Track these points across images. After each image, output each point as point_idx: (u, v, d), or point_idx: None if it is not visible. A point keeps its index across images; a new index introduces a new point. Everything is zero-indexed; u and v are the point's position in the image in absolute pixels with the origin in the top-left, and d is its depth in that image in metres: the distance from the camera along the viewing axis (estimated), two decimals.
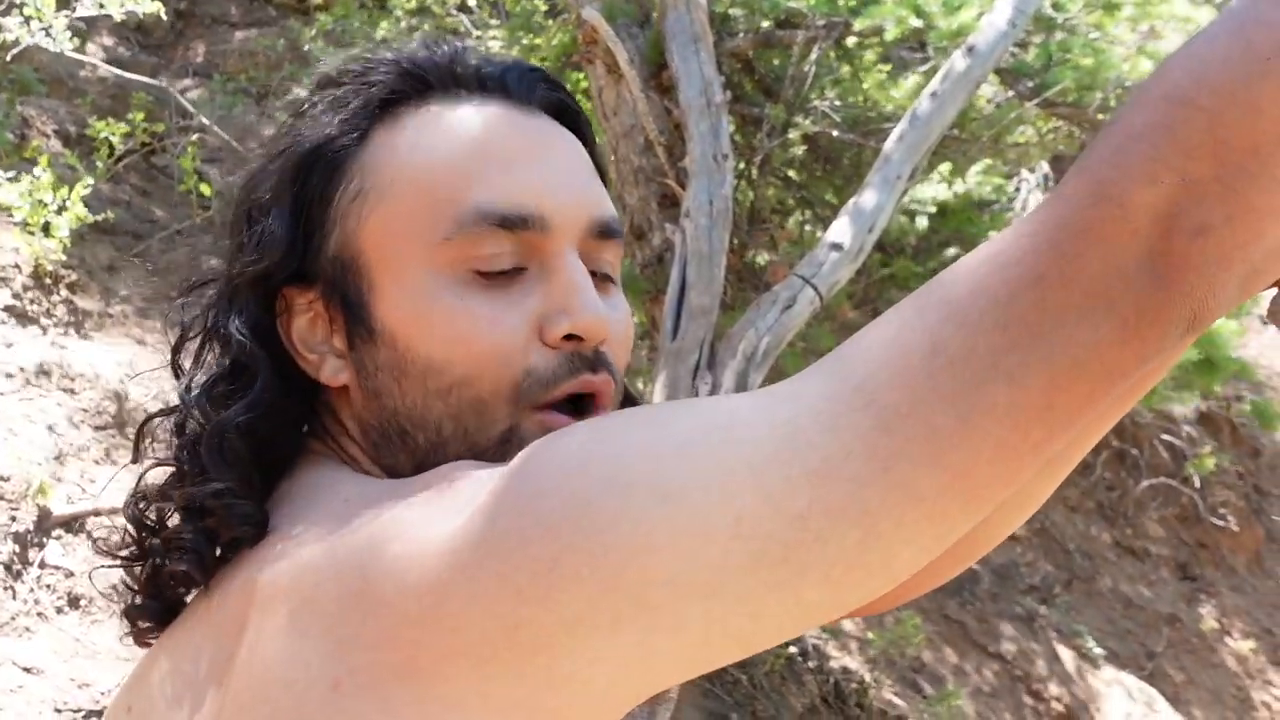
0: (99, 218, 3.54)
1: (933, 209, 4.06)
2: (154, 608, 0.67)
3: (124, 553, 0.68)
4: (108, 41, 4.98)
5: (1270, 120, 0.44)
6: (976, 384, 0.48)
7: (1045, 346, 0.47)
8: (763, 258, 4.09)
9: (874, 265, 3.98)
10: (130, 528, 0.68)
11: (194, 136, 4.26)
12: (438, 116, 0.67)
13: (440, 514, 0.55)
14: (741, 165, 3.95)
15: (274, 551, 0.60)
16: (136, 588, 0.68)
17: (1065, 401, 0.48)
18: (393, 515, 0.57)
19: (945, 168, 4.14)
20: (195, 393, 0.67)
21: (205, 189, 4.09)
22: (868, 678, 3.55)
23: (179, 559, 0.64)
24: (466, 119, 0.66)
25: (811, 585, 0.51)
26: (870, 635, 3.66)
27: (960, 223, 4.19)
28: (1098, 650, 4.25)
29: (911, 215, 4.19)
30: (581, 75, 3.78)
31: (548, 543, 0.51)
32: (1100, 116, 3.67)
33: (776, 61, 4.29)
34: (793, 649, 3.43)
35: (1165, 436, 5.00)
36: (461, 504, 0.54)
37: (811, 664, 3.41)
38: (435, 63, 0.68)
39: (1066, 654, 4.18)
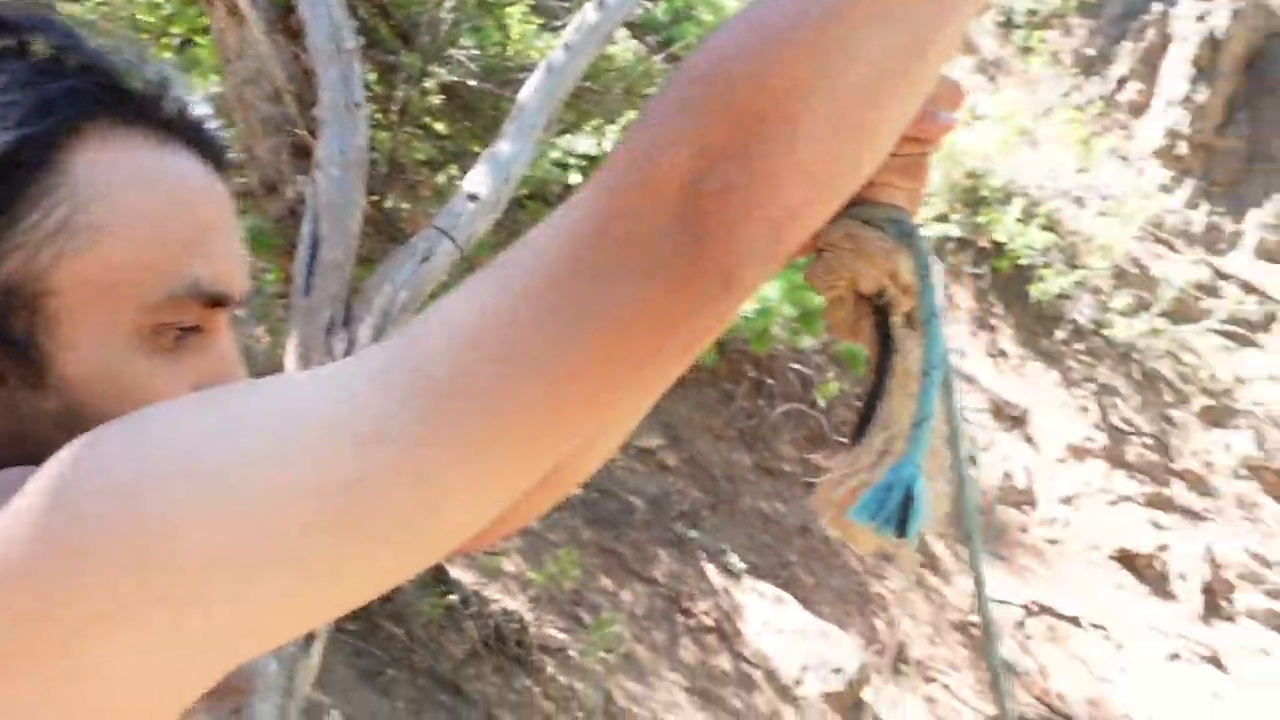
0: None
1: (585, 163, 4.17)
2: None
3: None
4: None
5: (771, 91, 0.49)
6: (528, 340, 0.50)
7: (593, 302, 0.50)
8: (404, 209, 4.03)
9: (523, 216, 4.03)
10: None
11: None
12: (150, 161, 0.64)
13: None
14: (379, 114, 3.84)
15: None
16: None
17: (614, 354, 0.51)
18: None
19: (595, 123, 4.26)
20: None
21: None
22: (529, 616, 3.66)
23: None
24: (183, 175, 0.65)
25: (372, 549, 0.51)
26: (531, 575, 3.77)
27: None
28: (740, 565, 4.65)
29: (564, 166, 4.28)
30: (201, 16, 3.53)
31: (73, 534, 0.49)
32: None
33: (415, 8, 4.20)
34: (453, 597, 3.47)
35: (795, 366, 5.51)
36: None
37: (471, 610, 3.46)
38: (140, 88, 0.64)
39: (713, 571, 4.53)
